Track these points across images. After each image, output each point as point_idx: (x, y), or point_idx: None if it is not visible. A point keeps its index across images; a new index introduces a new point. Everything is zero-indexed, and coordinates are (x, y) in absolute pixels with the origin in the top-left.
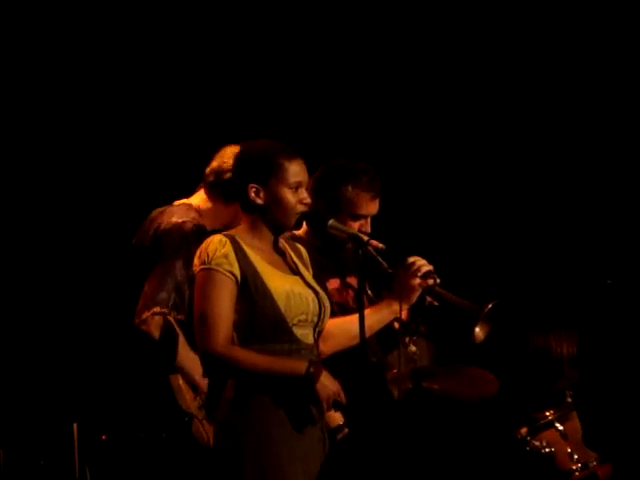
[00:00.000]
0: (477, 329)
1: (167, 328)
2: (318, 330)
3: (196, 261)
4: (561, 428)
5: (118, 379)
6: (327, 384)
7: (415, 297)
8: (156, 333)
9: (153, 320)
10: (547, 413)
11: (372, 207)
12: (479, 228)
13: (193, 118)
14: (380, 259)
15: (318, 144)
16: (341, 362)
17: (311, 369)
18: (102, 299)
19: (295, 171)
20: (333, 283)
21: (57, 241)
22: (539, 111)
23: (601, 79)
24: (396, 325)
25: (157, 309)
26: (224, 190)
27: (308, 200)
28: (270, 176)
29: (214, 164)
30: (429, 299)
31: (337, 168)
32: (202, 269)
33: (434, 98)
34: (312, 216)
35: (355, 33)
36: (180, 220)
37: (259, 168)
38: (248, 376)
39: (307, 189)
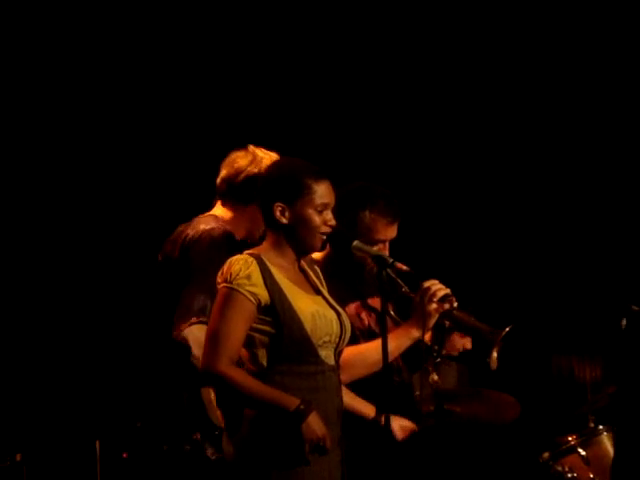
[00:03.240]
0: (494, 354)
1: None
2: (338, 351)
3: (219, 278)
4: (584, 453)
5: (141, 396)
6: (313, 427)
7: (432, 322)
8: (193, 343)
9: (191, 331)
10: (570, 438)
11: (390, 232)
12: (504, 251)
13: (212, 136)
14: (401, 282)
15: (339, 164)
16: (369, 382)
17: (301, 407)
18: (130, 317)
19: (322, 193)
20: (352, 308)
21: (81, 258)
22: (560, 134)
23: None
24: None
25: (194, 319)
26: (239, 193)
27: (333, 222)
28: (297, 196)
29: (223, 172)
30: (448, 323)
31: (354, 192)
32: (224, 287)
33: (456, 120)
34: (336, 237)
35: (375, 52)
36: (208, 227)
37: (286, 188)
38: (245, 406)
39: None
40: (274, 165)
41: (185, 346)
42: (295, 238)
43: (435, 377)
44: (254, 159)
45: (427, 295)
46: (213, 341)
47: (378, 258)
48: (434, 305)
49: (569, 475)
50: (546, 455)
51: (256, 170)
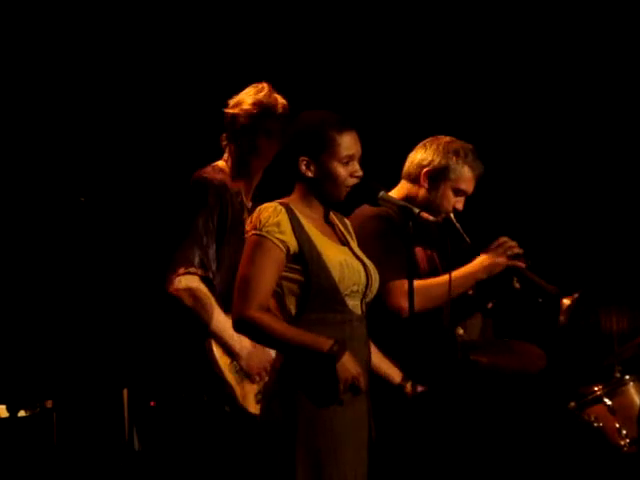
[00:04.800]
0: (562, 316)
1: (197, 291)
2: (366, 302)
3: (248, 226)
4: (610, 403)
5: (167, 346)
6: (348, 366)
7: (495, 272)
8: (184, 295)
9: (180, 282)
10: (595, 388)
11: (472, 185)
12: (534, 208)
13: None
14: (465, 236)
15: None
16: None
17: (334, 347)
18: (150, 267)
19: (347, 144)
20: (418, 252)
21: (101, 213)
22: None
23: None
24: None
25: (182, 269)
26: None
27: (360, 173)
28: (321, 150)
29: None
30: (516, 282)
31: (448, 142)
32: (253, 234)
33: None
34: (363, 188)
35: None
36: (196, 176)
37: (310, 141)
38: (277, 349)
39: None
40: (299, 119)
41: (177, 298)
42: (321, 191)
43: (460, 331)
44: (242, 99)
45: (503, 246)
46: (243, 288)
47: (404, 209)
48: (505, 258)
49: (595, 424)
50: (572, 405)
51: (236, 110)
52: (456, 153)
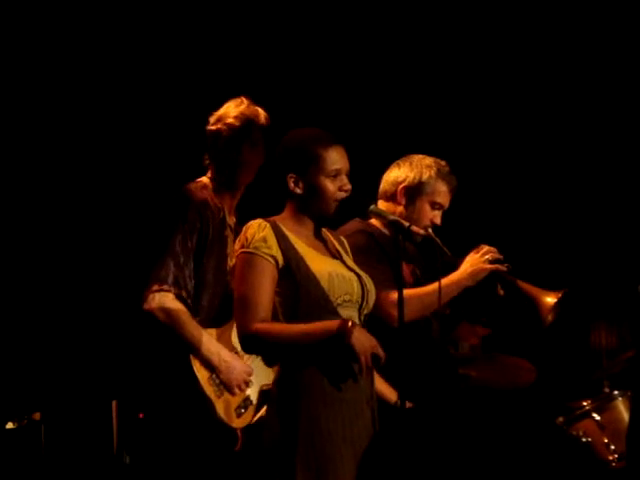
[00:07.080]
0: (548, 317)
1: (170, 307)
2: (364, 313)
3: (236, 245)
4: (598, 418)
5: (155, 357)
6: (362, 338)
7: (480, 277)
8: (158, 311)
9: (154, 299)
10: (584, 403)
11: (448, 199)
12: (524, 220)
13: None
14: (446, 249)
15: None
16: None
17: (343, 324)
18: (139, 280)
19: (334, 159)
20: (405, 268)
21: (102, 225)
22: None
23: None
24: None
25: (156, 287)
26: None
27: (348, 187)
28: (308, 166)
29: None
30: (500, 289)
31: (422, 159)
32: (241, 252)
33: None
34: (353, 202)
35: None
36: (179, 194)
37: (296, 158)
38: (291, 354)
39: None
40: (286, 137)
41: (151, 315)
42: (311, 206)
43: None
44: (224, 114)
45: (484, 252)
46: (241, 307)
47: (394, 223)
48: (487, 264)
49: (583, 440)
50: (561, 420)
51: (219, 125)
52: (430, 168)
